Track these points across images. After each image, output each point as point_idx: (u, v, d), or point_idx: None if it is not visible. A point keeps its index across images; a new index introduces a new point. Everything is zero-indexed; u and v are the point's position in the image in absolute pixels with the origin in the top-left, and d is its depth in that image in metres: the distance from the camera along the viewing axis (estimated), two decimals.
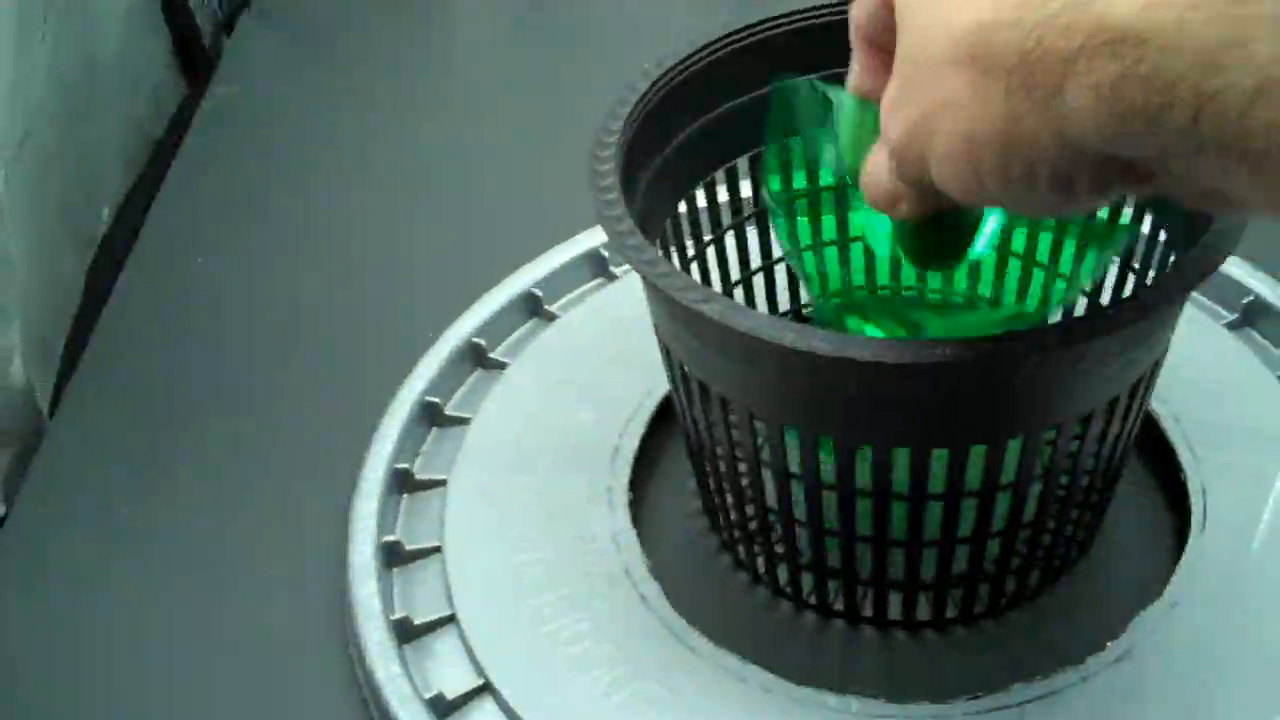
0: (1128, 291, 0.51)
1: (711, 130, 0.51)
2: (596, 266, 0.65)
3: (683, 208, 0.51)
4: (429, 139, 0.78)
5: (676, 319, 0.44)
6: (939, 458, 0.43)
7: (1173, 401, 0.55)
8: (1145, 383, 0.45)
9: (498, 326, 0.62)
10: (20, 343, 0.62)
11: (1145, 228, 0.49)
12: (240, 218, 0.73)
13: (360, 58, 0.86)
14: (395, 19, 0.89)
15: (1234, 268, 0.60)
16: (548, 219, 0.65)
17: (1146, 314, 0.38)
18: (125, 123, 0.81)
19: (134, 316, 0.67)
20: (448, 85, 0.83)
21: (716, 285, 0.55)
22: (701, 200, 0.52)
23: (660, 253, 0.49)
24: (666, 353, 0.47)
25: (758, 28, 0.50)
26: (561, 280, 0.64)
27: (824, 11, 0.51)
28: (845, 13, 0.50)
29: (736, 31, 0.50)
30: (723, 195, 0.53)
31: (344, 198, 0.74)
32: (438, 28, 0.88)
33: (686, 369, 0.45)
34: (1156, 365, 0.45)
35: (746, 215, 0.55)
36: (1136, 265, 0.51)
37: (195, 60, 0.91)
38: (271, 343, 0.65)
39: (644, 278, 0.42)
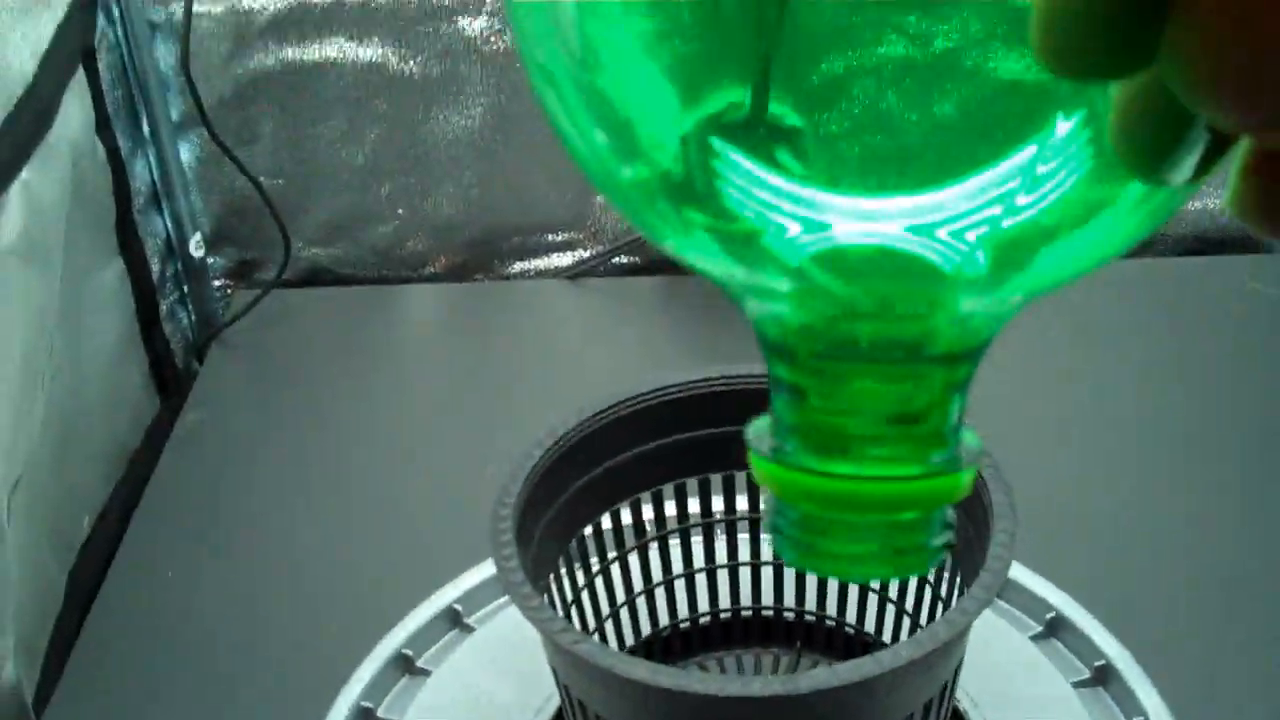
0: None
1: (596, 484, 0.63)
2: None
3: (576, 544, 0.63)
4: (376, 466, 0.90)
5: (559, 652, 0.55)
6: None
7: (982, 704, 0.66)
8: (940, 697, 0.56)
9: (423, 638, 0.72)
10: (12, 648, 0.72)
11: None
12: (204, 537, 0.84)
13: (315, 389, 0.98)
14: (349, 355, 1.02)
15: (1038, 585, 0.72)
16: (470, 540, 0.76)
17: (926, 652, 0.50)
18: (106, 440, 0.92)
19: (114, 626, 0.78)
20: (393, 416, 0.95)
21: (605, 606, 0.67)
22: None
23: (554, 585, 0.61)
24: (555, 673, 0.58)
25: (629, 402, 0.63)
26: (480, 595, 0.75)
27: (696, 386, 0.64)
28: (711, 387, 0.64)
29: (611, 406, 0.63)
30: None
31: (295, 520, 0.85)
32: (389, 362, 1.01)
33: (569, 689, 0.56)
34: (949, 683, 0.56)
35: (629, 548, 0.67)
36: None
37: (169, 380, 1.04)
38: (227, 649, 0.75)
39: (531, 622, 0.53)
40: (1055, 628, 0.72)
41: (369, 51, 1.00)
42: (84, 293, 0.91)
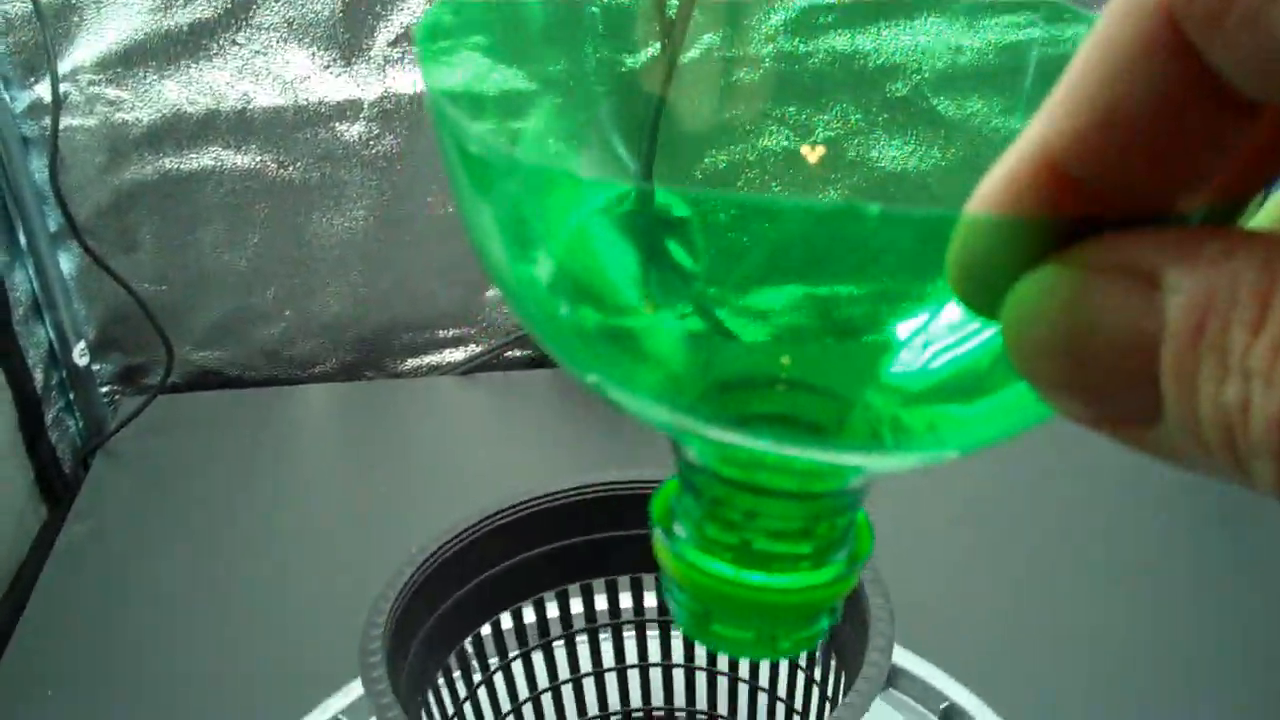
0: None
1: (472, 596, 0.62)
2: None
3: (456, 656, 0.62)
4: (266, 572, 0.88)
5: None
6: None
7: None
8: None
9: None
10: None
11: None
12: (89, 650, 0.82)
13: (203, 494, 0.97)
14: (238, 459, 1.01)
15: (934, 677, 0.72)
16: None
17: None
18: None
19: None
20: (283, 520, 0.94)
21: (489, 716, 0.66)
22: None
23: (433, 698, 0.60)
24: None
25: (506, 512, 0.63)
26: (367, 705, 0.74)
27: (566, 495, 0.64)
28: (581, 495, 0.63)
29: (484, 519, 0.62)
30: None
31: (181, 630, 0.83)
32: (280, 464, 1.00)
33: None
34: None
35: (513, 655, 0.66)
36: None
37: (56, 489, 1.02)
38: None
39: None
40: (950, 717, 0.72)
41: (247, 159, 1.00)
42: None
